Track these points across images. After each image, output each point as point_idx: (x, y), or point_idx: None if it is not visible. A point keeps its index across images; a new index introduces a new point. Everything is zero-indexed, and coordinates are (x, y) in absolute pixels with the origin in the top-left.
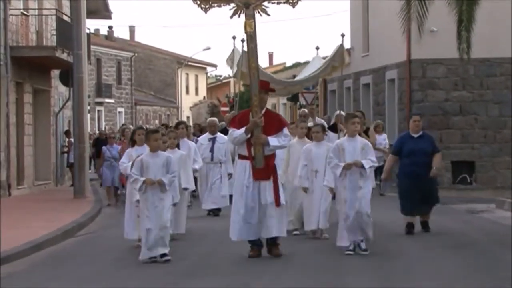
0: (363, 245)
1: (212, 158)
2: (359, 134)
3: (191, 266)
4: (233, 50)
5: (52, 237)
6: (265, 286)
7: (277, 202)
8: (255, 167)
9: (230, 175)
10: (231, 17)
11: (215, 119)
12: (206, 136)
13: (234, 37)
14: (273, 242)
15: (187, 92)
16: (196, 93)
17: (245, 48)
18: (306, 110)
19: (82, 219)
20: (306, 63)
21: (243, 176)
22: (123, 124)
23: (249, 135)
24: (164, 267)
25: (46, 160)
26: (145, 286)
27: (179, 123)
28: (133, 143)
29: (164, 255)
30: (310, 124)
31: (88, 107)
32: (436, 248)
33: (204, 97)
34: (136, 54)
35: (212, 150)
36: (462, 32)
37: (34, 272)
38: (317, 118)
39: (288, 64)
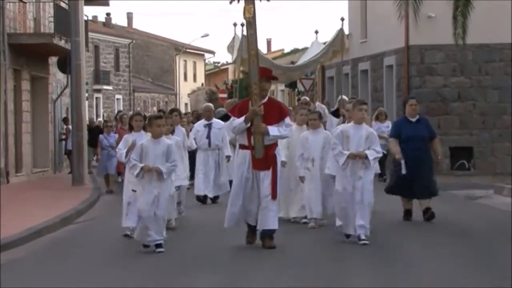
0: (362, 236)
1: (209, 144)
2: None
3: (185, 260)
4: (233, 37)
5: (51, 224)
6: (264, 286)
7: (274, 195)
8: (255, 157)
9: (228, 157)
10: (231, 2)
11: (210, 104)
12: (201, 122)
13: (235, 24)
14: (267, 235)
15: (185, 79)
16: (194, 80)
17: (245, 33)
18: (307, 98)
19: (80, 206)
20: (305, 49)
21: (243, 166)
22: (119, 111)
23: (248, 124)
24: (157, 260)
25: (44, 148)
26: (138, 277)
27: (173, 110)
28: (130, 128)
29: (158, 245)
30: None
31: (86, 94)
32: (437, 237)
33: (202, 84)
34: (134, 41)
35: (208, 136)
36: (458, 17)
37: (34, 259)
38: (317, 103)
39: (287, 50)
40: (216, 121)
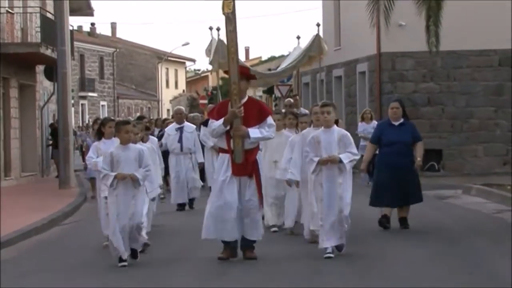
0: (330, 249)
1: (181, 149)
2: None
3: (159, 268)
4: (210, 40)
5: (39, 225)
6: None
7: (261, 203)
8: (234, 162)
9: (200, 164)
10: None
11: (181, 107)
12: (173, 126)
13: (210, 28)
14: (249, 245)
15: (167, 85)
16: (176, 86)
17: (222, 37)
18: (291, 100)
19: (67, 208)
20: (281, 57)
21: (222, 171)
22: (96, 118)
23: (228, 127)
24: (128, 270)
25: (32, 152)
26: (123, 278)
27: (140, 117)
28: (99, 135)
29: (134, 253)
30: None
31: (72, 101)
32: (414, 239)
33: (184, 91)
34: (118, 50)
35: (180, 140)
36: (431, 26)
37: (23, 259)
38: (301, 108)
39: (264, 58)
40: (187, 125)
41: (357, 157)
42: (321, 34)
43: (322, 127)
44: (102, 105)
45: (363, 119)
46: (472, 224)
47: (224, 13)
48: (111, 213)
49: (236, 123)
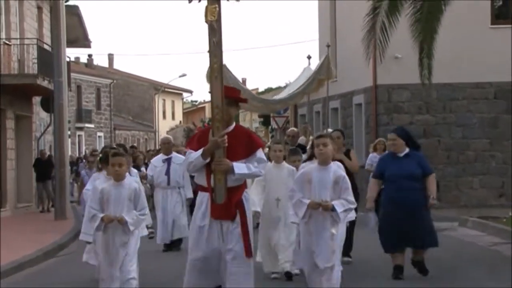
0: None
1: (168, 182)
2: (334, 159)
3: None
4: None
5: (34, 257)
6: None
7: (248, 252)
8: (214, 203)
9: (189, 200)
10: (190, 1)
11: (169, 136)
12: (160, 157)
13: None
14: None
15: (164, 116)
16: (173, 117)
17: (223, 60)
18: (295, 129)
19: (62, 240)
20: (278, 88)
21: (200, 213)
22: (93, 150)
23: (208, 160)
24: None
25: (28, 183)
26: None
27: (126, 148)
28: (100, 166)
29: None
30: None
31: (69, 132)
32: (411, 273)
33: (180, 122)
34: (115, 81)
35: (167, 173)
36: (424, 59)
37: None
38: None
39: (261, 89)
40: (176, 156)
41: (353, 207)
42: (312, 67)
43: (316, 163)
44: (99, 136)
45: (375, 150)
46: (470, 257)
47: (207, 21)
48: (102, 263)
49: (218, 155)
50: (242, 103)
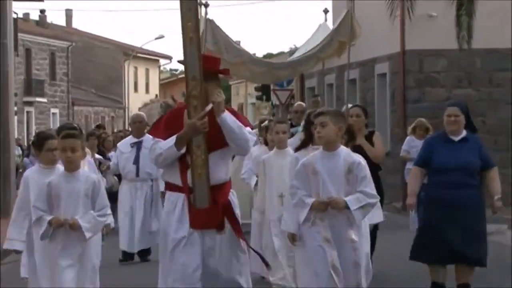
0: None
1: (137, 173)
2: (347, 144)
3: None
4: None
5: None
6: None
7: (266, 264)
8: (194, 207)
9: (164, 193)
10: None
11: (141, 113)
12: (128, 140)
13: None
14: None
15: (136, 89)
16: (147, 90)
17: (212, 15)
18: (303, 104)
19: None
20: (280, 54)
21: (173, 222)
22: (40, 132)
23: (183, 150)
24: None
25: None
26: None
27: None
28: (35, 152)
29: None
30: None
31: (15, 108)
32: None
33: (156, 96)
34: (73, 44)
35: (137, 161)
36: (462, 16)
37: None
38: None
39: (258, 55)
40: (149, 139)
41: (374, 201)
42: (329, 25)
43: (321, 148)
44: (53, 113)
45: (414, 132)
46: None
47: None
48: (40, 278)
49: (197, 143)
50: (225, 75)
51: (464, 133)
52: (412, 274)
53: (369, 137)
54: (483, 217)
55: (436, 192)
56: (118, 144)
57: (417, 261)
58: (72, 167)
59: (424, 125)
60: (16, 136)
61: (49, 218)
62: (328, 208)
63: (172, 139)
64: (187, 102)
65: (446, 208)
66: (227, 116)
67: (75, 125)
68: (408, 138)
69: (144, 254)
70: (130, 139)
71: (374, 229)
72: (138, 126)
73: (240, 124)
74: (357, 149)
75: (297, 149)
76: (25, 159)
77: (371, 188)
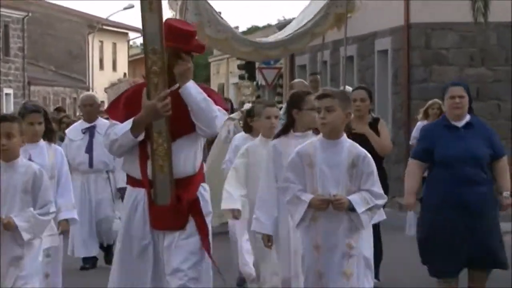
0: None
1: (90, 164)
2: (350, 133)
3: None
4: None
5: None
6: None
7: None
8: (155, 204)
9: (121, 190)
10: None
11: (92, 94)
12: (78, 125)
13: None
14: None
15: (101, 67)
16: (114, 68)
17: None
18: (303, 81)
19: None
20: (267, 28)
21: (131, 220)
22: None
23: (141, 137)
24: None
25: None
26: None
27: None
28: None
29: None
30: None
31: None
32: None
33: (125, 74)
34: (30, 14)
35: (90, 150)
36: None
37: None
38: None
39: (242, 29)
40: (103, 123)
41: (381, 203)
42: None
43: (320, 136)
44: (7, 94)
45: (426, 117)
46: None
47: None
48: None
49: (157, 128)
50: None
51: (468, 117)
52: (420, 279)
53: (373, 125)
54: (496, 216)
55: (442, 189)
56: (67, 131)
57: (437, 277)
58: (8, 156)
59: (439, 107)
60: None
61: None
62: (327, 207)
63: (129, 123)
64: (146, 79)
65: (454, 208)
66: (191, 86)
67: (39, 105)
68: (418, 123)
69: (107, 254)
70: (80, 124)
71: (376, 229)
72: (88, 110)
73: (208, 98)
74: (358, 139)
75: (276, 136)
76: None
77: (379, 187)
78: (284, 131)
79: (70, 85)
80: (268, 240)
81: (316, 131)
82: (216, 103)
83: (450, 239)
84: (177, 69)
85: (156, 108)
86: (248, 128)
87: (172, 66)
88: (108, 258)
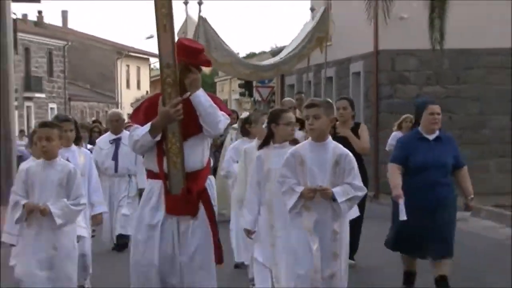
0: None
1: (116, 169)
2: (335, 135)
3: None
4: (185, 19)
5: None
6: None
7: (218, 259)
8: (169, 193)
9: (141, 191)
10: None
11: (118, 111)
12: (106, 136)
13: (186, 2)
14: None
15: (128, 86)
16: (138, 87)
17: (205, 13)
18: (293, 100)
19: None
20: (262, 53)
21: (147, 208)
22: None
23: (158, 137)
24: None
25: None
26: None
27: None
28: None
29: None
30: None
31: (16, 103)
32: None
33: (147, 92)
34: (69, 43)
35: (115, 157)
36: (435, 19)
37: None
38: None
39: (242, 55)
40: (126, 135)
41: (361, 194)
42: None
43: (309, 139)
44: (51, 108)
45: (400, 128)
46: (484, 254)
47: None
48: (19, 264)
49: (171, 130)
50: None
51: (437, 132)
52: (386, 263)
53: (355, 129)
54: (455, 214)
55: (415, 190)
56: (97, 141)
57: (394, 251)
58: (48, 156)
59: (410, 120)
60: (18, 127)
61: (23, 202)
62: (315, 196)
63: (147, 126)
64: (161, 89)
65: (427, 208)
66: (201, 94)
67: (69, 116)
68: (394, 133)
69: (122, 242)
70: (108, 135)
71: (357, 220)
72: (115, 125)
73: (214, 105)
74: (340, 141)
75: (260, 147)
76: (21, 148)
77: (359, 181)
78: (265, 143)
79: (102, 101)
80: (249, 232)
81: (292, 143)
82: (221, 109)
83: (417, 231)
84: (188, 80)
85: (170, 113)
86: (245, 132)
87: (183, 78)
88: (123, 245)
